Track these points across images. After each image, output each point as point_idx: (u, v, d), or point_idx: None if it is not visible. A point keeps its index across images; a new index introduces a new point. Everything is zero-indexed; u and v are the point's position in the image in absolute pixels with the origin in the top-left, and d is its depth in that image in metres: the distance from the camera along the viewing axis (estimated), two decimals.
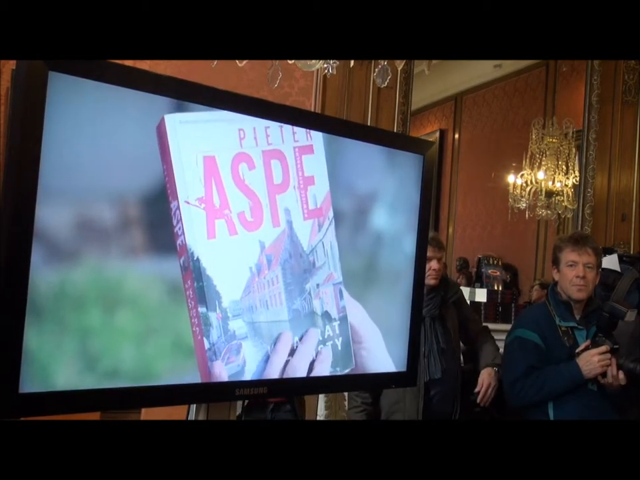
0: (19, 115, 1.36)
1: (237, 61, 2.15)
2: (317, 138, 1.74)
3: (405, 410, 2.54)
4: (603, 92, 5.19)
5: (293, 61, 2.16)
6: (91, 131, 1.42)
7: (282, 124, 1.69)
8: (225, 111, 1.59)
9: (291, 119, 1.76)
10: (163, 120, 1.48)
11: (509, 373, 2.31)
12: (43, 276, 1.35)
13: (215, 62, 2.16)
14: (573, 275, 2.29)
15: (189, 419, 1.80)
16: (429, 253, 2.56)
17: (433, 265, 2.63)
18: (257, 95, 1.76)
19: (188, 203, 1.52)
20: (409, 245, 1.99)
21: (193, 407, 1.79)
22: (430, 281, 2.63)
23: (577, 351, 2.23)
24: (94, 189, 1.42)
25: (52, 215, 1.37)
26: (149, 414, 2.66)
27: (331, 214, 1.78)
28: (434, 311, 2.65)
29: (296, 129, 1.70)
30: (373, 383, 2.13)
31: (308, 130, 1.72)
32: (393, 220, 1.96)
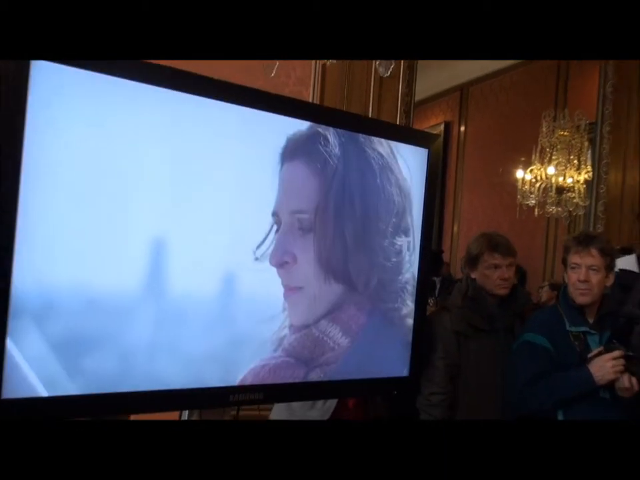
0: None
1: None
2: None
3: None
4: (618, 81, 5.13)
5: None
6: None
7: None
8: None
9: (289, 110, 1.78)
10: None
11: (517, 379, 2.31)
12: None
13: None
14: (575, 278, 2.28)
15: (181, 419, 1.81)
16: (496, 261, 2.48)
17: (502, 273, 2.48)
18: (253, 85, 1.77)
19: None
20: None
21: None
22: (500, 290, 2.50)
23: (589, 356, 2.22)
24: None
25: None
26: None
27: None
28: (509, 322, 2.53)
29: None
30: (374, 388, 2.15)
31: None
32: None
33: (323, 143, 1.82)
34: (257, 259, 1.74)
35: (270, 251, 1.75)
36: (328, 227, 1.84)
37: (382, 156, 1.95)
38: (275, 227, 1.76)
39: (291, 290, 1.80)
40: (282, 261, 1.78)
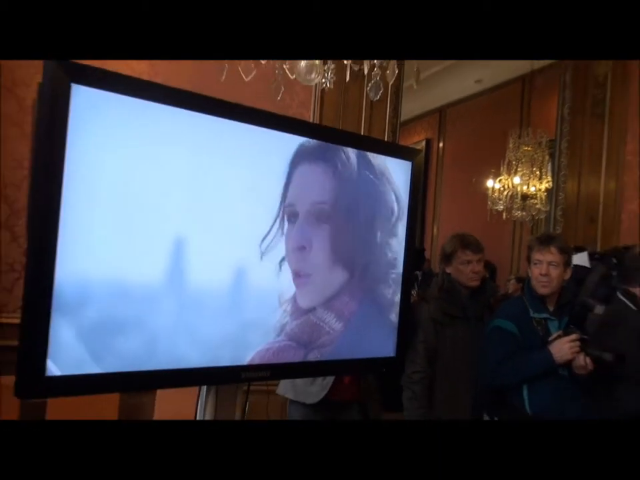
0: (42, 125, 1.34)
1: (243, 76, 2.14)
2: None
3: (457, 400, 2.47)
4: (574, 105, 5.21)
5: (294, 76, 2.16)
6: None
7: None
8: None
9: (293, 128, 1.77)
10: None
11: (489, 359, 2.31)
12: None
13: (224, 76, 2.15)
14: (538, 272, 2.30)
15: (198, 408, 1.78)
16: (468, 257, 2.51)
17: (474, 267, 2.53)
18: (260, 107, 1.75)
19: None
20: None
21: (202, 397, 1.78)
22: (472, 282, 2.53)
23: (549, 339, 2.24)
24: None
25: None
26: (160, 408, 2.62)
27: None
28: (479, 311, 2.55)
29: None
30: (366, 367, 2.14)
31: None
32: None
33: (335, 150, 1.82)
34: (262, 254, 1.71)
35: (273, 244, 1.72)
36: (338, 221, 1.82)
37: (379, 166, 1.94)
38: (286, 222, 1.73)
39: (300, 277, 1.78)
40: (300, 245, 1.76)
